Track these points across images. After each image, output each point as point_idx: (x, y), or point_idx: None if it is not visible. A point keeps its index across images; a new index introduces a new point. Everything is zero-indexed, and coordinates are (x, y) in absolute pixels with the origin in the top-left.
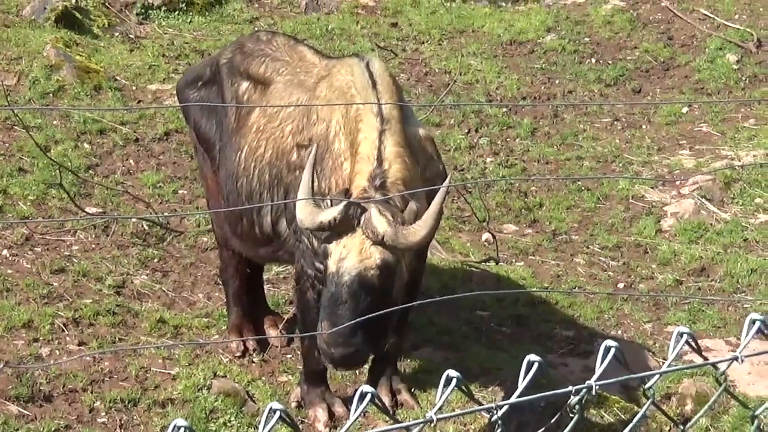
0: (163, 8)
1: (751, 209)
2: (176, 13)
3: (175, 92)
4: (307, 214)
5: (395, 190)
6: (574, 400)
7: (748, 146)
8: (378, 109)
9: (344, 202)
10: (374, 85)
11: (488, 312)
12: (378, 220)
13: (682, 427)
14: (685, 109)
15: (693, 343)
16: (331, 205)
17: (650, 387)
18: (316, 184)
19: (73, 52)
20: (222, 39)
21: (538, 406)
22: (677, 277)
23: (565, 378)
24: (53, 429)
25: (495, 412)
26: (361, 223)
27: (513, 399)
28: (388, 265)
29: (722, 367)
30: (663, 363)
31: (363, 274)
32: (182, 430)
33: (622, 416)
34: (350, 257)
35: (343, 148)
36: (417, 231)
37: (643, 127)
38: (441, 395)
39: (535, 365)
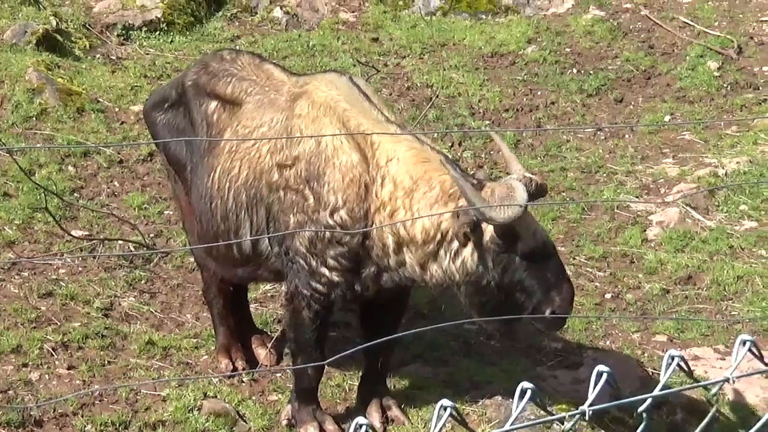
0: (144, 29)
1: (735, 216)
2: (157, 33)
3: None
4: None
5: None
6: (567, 425)
7: (731, 153)
8: (383, 117)
9: (516, 178)
10: (366, 97)
11: (477, 326)
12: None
13: None
14: (667, 118)
15: (684, 366)
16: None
17: (643, 411)
18: (312, 200)
19: (55, 74)
20: None
21: (528, 419)
22: (664, 286)
23: (554, 390)
24: None
25: None
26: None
27: (507, 426)
28: None
29: (714, 388)
30: (651, 373)
31: None
32: None
33: (613, 427)
34: (538, 224)
35: (356, 160)
36: None
37: (626, 136)
38: (435, 425)
39: (528, 392)
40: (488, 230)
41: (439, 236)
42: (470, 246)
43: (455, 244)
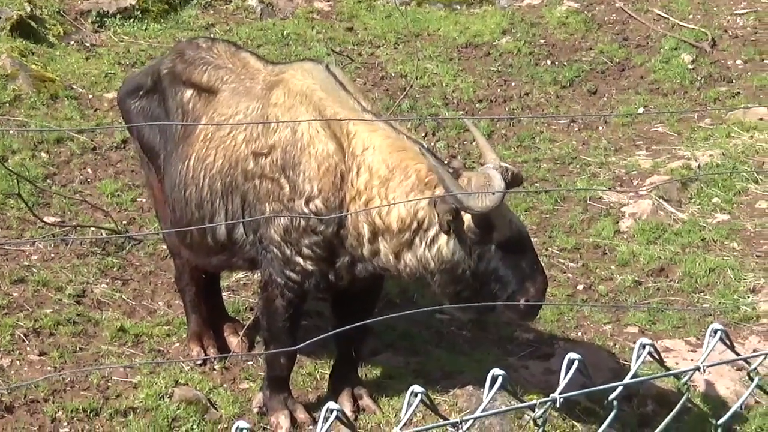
0: (119, 16)
1: (708, 209)
2: (131, 20)
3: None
4: (494, 195)
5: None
6: (538, 413)
7: (704, 146)
8: (359, 106)
9: (492, 167)
10: (343, 86)
11: (448, 316)
12: (501, 164)
13: None
14: (641, 110)
15: (655, 354)
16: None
17: (613, 399)
18: (287, 189)
19: (29, 61)
20: None
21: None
22: (636, 278)
23: (526, 381)
24: None
25: (460, 426)
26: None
27: (478, 413)
28: None
29: (684, 377)
30: (623, 364)
31: None
32: None
33: (585, 418)
34: (513, 214)
35: (331, 149)
36: None
37: (600, 128)
38: (406, 411)
39: (500, 379)
40: (466, 219)
41: (415, 225)
42: (447, 234)
43: (431, 233)
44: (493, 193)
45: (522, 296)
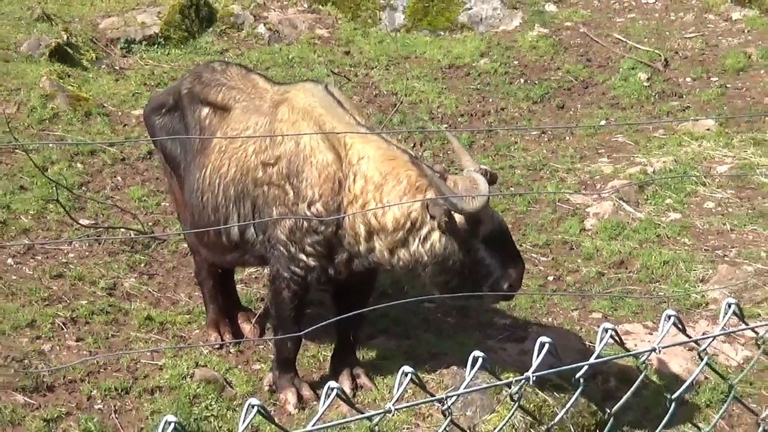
0: (144, 42)
1: (662, 209)
2: (155, 46)
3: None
4: (482, 197)
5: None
6: (514, 389)
7: (659, 154)
8: (354, 121)
9: (477, 171)
10: (340, 103)
11: (435, 304)
12: (480, 168)
13: (608, 410)
14: (603, 122)
15: (616, 337)
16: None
17: (580, 377)
18: (292, 194)
19: (66, 82)
20: None
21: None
22: (599, 270)
23: (503, 361)
24: (56, 416)
25: (445, 401)
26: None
27: (461, 390)
28: None
29: (642, 357)
30: (588, 345)
31: None
32: (172, 425)
33: (555, 394)
34: (494, 209)
35: (330, 159)
36: None
37: (567, 138)
38: (397, 389)
39: (480, 360)
40: (457, 217)
41: (408, 224)
42: (442, 232)
43: (424, 231)
44: (475, 197)
45: (505, 281)
